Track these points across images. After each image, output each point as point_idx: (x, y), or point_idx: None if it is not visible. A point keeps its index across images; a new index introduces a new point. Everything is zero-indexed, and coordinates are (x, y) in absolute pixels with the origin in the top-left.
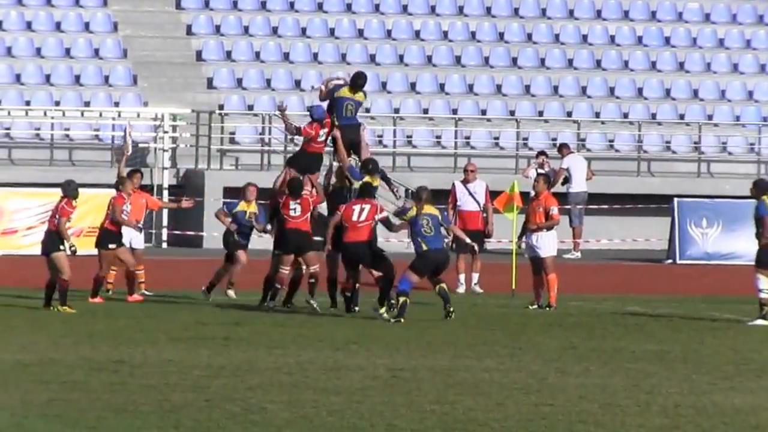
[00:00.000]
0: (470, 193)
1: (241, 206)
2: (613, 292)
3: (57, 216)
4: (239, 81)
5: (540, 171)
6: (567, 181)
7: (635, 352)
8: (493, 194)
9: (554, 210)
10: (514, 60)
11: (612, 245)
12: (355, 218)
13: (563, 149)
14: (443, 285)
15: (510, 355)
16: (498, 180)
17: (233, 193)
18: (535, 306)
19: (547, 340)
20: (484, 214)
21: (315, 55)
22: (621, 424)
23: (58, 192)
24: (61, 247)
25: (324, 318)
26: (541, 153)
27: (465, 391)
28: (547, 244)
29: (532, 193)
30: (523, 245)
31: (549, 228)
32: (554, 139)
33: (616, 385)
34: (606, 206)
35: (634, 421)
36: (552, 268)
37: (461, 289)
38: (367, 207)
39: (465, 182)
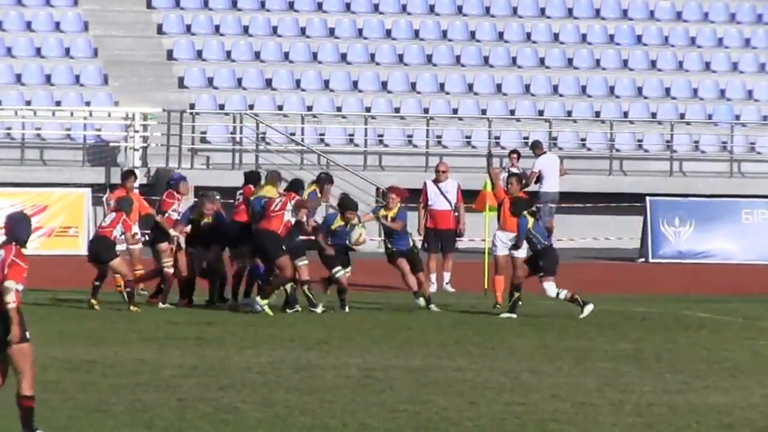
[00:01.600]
0: (442, 193)
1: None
2: (586, 291)
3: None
4: (210, 80)
5: (512, 170)
6: (539, 180)
7: (608, 351)
8: (465, 193)
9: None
10: (486, 59)
11: (584, 244)
12: (272, 207)
13: (536, 148)
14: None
15: (482, 355)
16: (470, 179)
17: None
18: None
19: (519, 340)
20: (456, 214)
21: (286, 54)
22: (594, 423)
23: (30, 192)
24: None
25: (296, 318)
26: (513, 152)
27: (437, 390)
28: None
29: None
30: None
31: None
32: (526, 138)
33: (588, 384)
34: (578, 205)
35: (607, 420)
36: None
37: (432, 288)
38: (283, 198)
39: (436, 182)
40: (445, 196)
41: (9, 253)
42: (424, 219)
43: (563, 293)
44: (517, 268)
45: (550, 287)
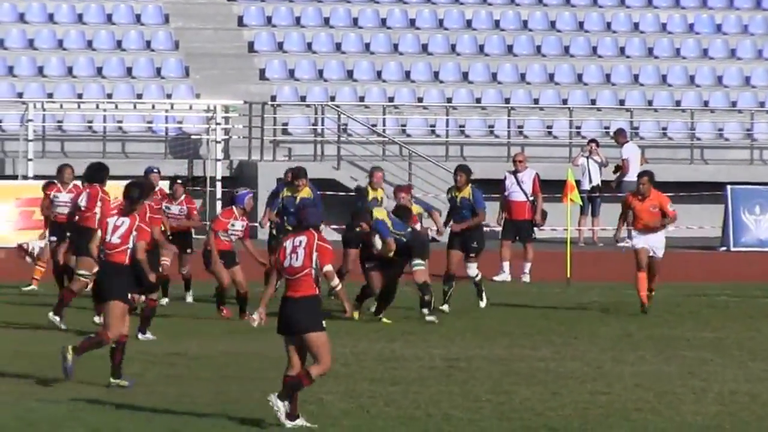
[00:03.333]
0: (518, 183)
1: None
2: (668, 279)
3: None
4: (291, 72)
5: (594, 158)
6: (619, 169)
7: (690, 339)
8: (545, 183)
9: (671, 207)
10: (566, 48)
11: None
12: None
13: (620, 136)
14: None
15: (565, 344)
16: (551, 169)
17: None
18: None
19: (602, 329)
20: (534, 204)
21: (367, 46)
22: (677, 411)
23: (111, 184)
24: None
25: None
26: (592, 141)
27: (521, 380)
28: (662, 243)
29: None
30: (626, 242)
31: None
32: (607, 128)
33: (671, 373)
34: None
35: (689, 409)
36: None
37: (503, 277)
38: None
39: (515, 172)
40: (521, 187)
41: (312, 239)
42: (503, 210)
43: (479, 277)
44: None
45: (473, 267)
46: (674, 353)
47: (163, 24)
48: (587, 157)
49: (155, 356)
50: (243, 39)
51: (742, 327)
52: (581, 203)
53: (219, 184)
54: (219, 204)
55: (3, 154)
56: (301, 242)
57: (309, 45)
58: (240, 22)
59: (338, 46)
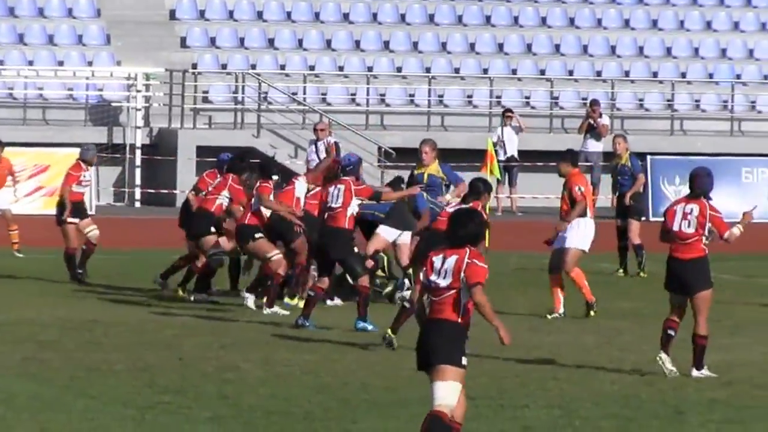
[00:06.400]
0: (316, 152)
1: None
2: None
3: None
4: (212, 40)
5: (513, 126)
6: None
7: (608, 309)
8: (465, 152)
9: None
10: (544, 19)
11: None
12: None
13: (597, 105)
14: None
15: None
16: (472, 138)
17: (206, 152)
18: None
19: (519, 299)
20: None
21: (289, 14)
22: (594, 380)
23: (32, 151)
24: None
25: None
26: (507, 110)
27: None
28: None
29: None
30: None
31: None
32: (527, 97)
33: (589, 343)
34: (582, 164)
35: (607, 378)
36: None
37: None
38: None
39: (316, 141)
40: (318, 156)
41: (705, 208)
42: None
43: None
44: None
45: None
46: (592, 323)
47: None
48: (504, 127)
49: (73, 323)
50: (165, 6)
51: (659, 297)
52: (499, 177)
53: (138, 152)
54: (138, 171)
55: None
56: (692, 210)
57: (231, 13)
58: None
59: (260, 15)
